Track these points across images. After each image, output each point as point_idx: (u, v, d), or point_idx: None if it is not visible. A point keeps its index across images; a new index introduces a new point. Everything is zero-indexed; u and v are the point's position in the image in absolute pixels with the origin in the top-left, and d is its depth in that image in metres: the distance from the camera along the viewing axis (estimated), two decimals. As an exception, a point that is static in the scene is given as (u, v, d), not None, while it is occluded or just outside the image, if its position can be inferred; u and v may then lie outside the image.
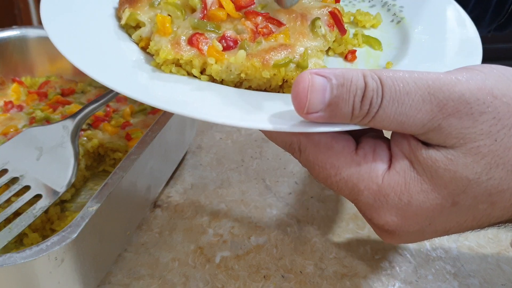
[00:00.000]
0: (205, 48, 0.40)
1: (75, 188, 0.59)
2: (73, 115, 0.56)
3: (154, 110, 0.68)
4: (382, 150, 0.37)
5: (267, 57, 0.40)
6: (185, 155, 0.71)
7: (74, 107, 0.68)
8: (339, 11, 0.46)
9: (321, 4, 0.46)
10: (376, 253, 0.58)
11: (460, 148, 0.33)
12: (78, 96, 0.72)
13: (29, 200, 0.50)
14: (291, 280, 0.54)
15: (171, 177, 0.67)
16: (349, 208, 0.64)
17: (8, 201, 0.50)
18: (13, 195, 0.50)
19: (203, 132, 0.76)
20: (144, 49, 0.44)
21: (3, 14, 1.02)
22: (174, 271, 0.54)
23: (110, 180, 0.47)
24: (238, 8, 0.43)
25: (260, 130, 0.39)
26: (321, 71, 0.33)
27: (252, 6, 0.43)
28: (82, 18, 0.44)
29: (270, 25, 0.43)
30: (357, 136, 0.38)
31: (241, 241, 0.58)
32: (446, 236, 0.43)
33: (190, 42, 0.41)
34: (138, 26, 0.45)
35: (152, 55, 0.43)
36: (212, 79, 0.41)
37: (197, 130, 0.75)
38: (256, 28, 0.42)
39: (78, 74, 0.74)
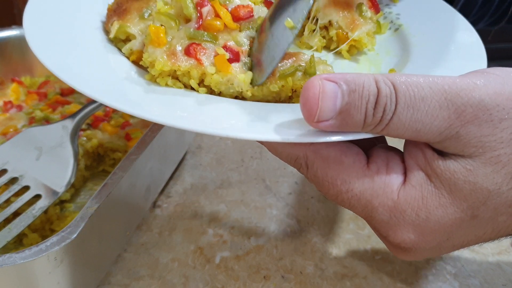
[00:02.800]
0: (203, 58, 0.39)
1: (75, 188, 0.59)
2: (72, 115, 0.56)
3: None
4: (395, 163, 0.35)
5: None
6: (185, 155, 0.71)
7: (73, 107, 0.68)
8: None
9: None
10: (376, 253, 0.57)
11: (479, 158, 0.32)
12: (77, 96, 0.72)
13: (29, 200, 0.50)
14: (291, 280, 0.54)
15: (171, 177, 0.67)
16: (349, 208, 0.64)
17: (8, 201, 0.50)
18: (13, 195, 0.50)
19: (203, 132, 0.76)
20: (135, 62, 0.42)
21: (2, 14, 1.01)
22: (174, 272, 0.54)
23: (109, 180, 0.47)
24: (236, 19, 0.41)
25: (262, 144, 0.37)
26: (331, 76, 0.31)
27: (251, 18, 0.42)
28: (67, 33, 0.41)
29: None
30: (365, 149, 0.36)
31: (241, 241, 0.58)
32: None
33: (187, 52, 0.39)
34: (128, 39, 0.43)
35: (145, 68, 0.40)
36: (210, 91, 0.40)
37: (197, 130, 0.75)
38: None
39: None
